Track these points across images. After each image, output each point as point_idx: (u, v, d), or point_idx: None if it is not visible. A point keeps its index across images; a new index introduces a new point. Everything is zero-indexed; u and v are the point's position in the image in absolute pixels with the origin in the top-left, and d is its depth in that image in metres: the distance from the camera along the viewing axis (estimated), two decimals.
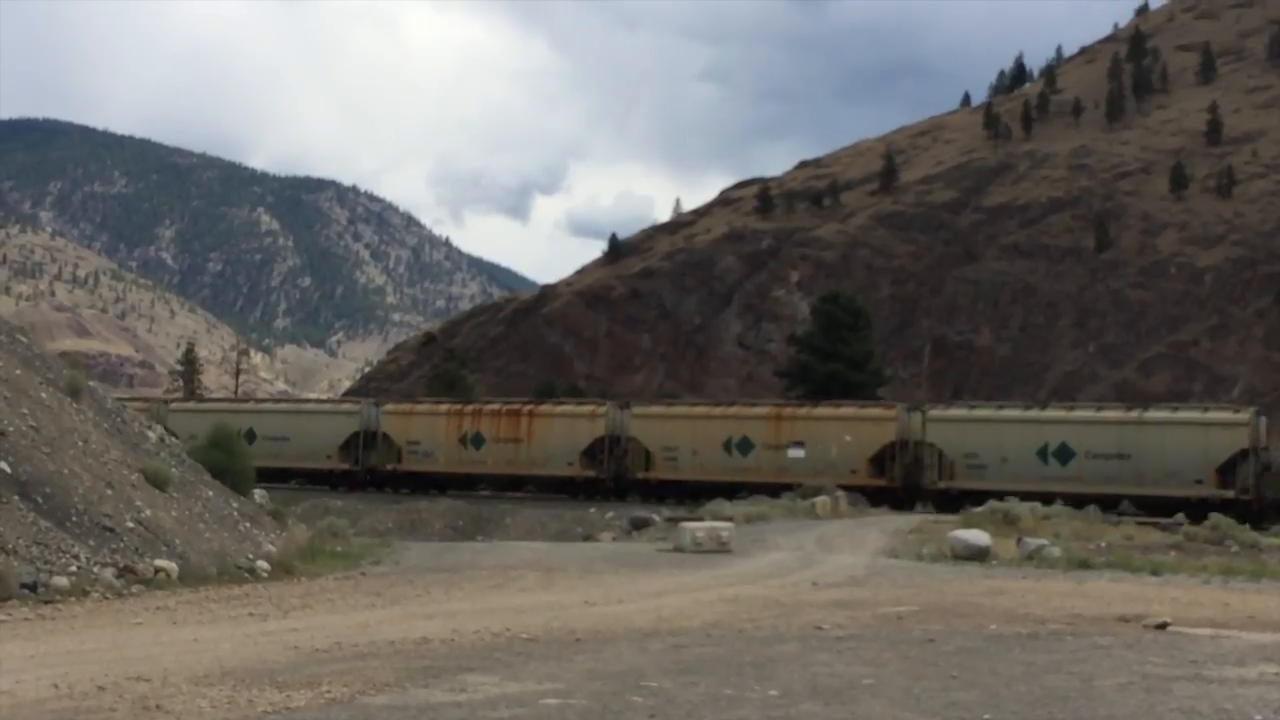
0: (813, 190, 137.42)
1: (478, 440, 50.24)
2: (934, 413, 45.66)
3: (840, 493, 39.03)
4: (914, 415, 45.07)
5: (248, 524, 21.95)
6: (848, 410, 47.86)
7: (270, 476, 49.26)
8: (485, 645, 12.58)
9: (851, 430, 45.40)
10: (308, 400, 61.74)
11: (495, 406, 52.53)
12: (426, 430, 51.54)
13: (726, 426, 47.40)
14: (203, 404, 63.85)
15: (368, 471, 51.65)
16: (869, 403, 53.34)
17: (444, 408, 53.19)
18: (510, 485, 49.93)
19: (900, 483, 43.58)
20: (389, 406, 54.37)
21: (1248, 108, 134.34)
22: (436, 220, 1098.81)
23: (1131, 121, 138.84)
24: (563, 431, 49.32)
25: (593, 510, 41.93)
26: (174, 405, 57.54)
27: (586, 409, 50.82)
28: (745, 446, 46.26)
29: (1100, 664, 11.81)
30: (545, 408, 51.87)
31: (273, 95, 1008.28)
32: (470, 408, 52.74)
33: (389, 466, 51.44)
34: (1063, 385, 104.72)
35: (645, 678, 10.59)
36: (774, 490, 40.50)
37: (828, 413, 47.48)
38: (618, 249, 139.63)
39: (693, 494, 43.22)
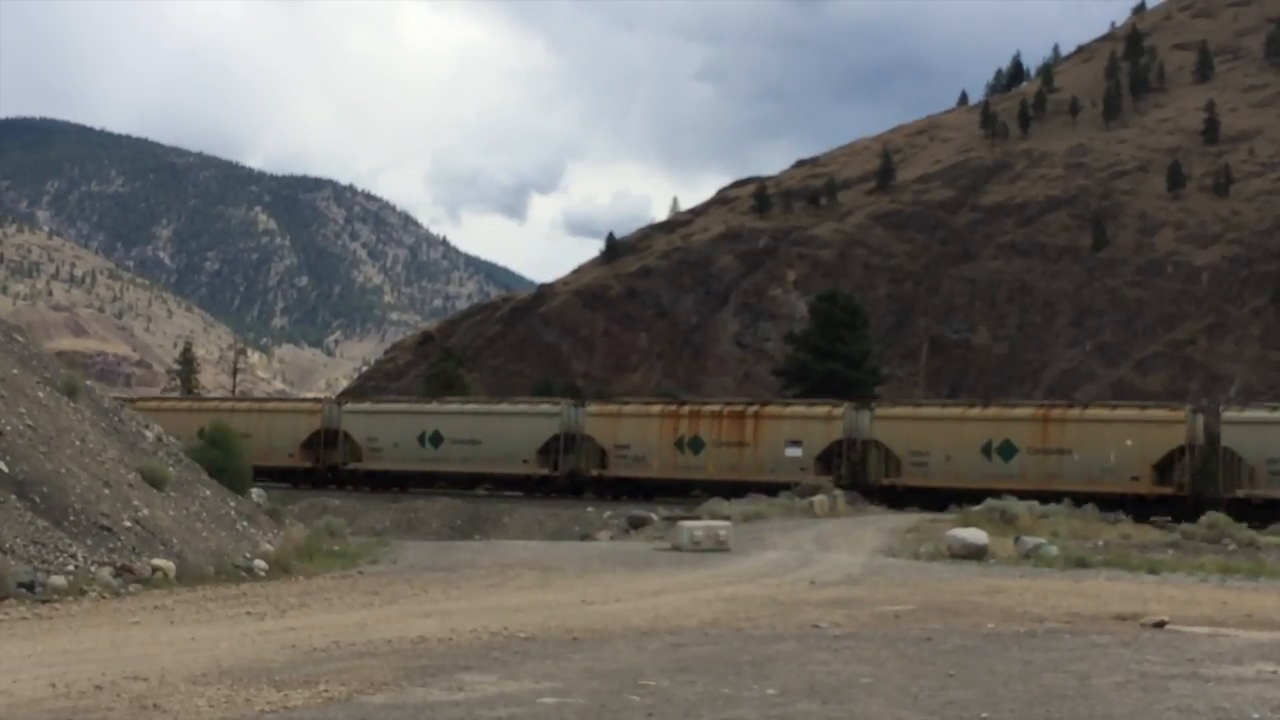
0: (810, 189, 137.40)
1: (696, 444, 46.93)
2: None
3: (838, 491, 39.03)
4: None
5: (245, 523, 21.95)
6: (522, 406, 53.03)
7: (461, 482, 49.62)
8: (483, 644, 12.58)
9: (524, 424, 49.89)
10: (500, 401, 58.13)
11: (715, 408, 49.14)
12: (638, 433, 48.42)
13: (986, 429, 44.05)
14: (379, 405, 59.65)
15: (568, 476, 48.58)
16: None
17: (657, 409, 50.48)
18: (732, 492, 42.57)
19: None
20: (593, 408, 50.92)
21: (1244, 106, 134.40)
22: (434, 220, 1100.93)
23: (1128, 120, 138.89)
24: (794, 434, 45.89)
25: (590, 509, 41.93)
26: (349, 407, 55.24)
27: (821, 410, 47.12)
28: (1007, 451, 42.58)
29: (1098, 662, 11.81)
30: (773, 408, 48.59)
31: (270, 94, 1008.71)
32: (686, 409, 49.87)
33: (593, 471, 48.28)
34: (1060, 384, 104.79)
35: (643, 676, 10.59)
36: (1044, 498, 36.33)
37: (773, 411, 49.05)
38: (615, 248, 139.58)
39: (943, 502, 39.58)
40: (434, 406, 54.11)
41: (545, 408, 51.60)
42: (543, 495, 47.30)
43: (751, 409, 48.65)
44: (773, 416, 47.41)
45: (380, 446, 51.43)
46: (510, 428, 50.05)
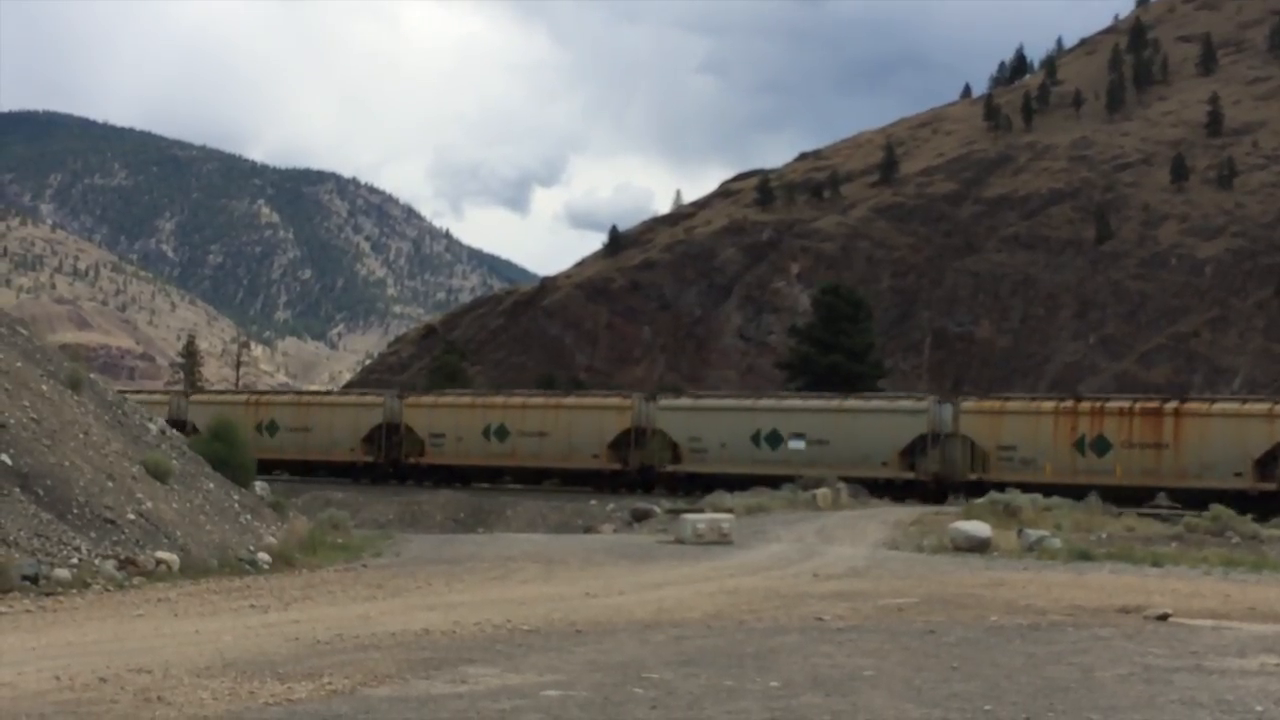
0: (813, 182, 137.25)
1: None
2: (663, 402, 49.40)
3: (840, 484, 39.05)
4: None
5: (248, 516, 21.96)
6: (591, 400, 52.38)
7: (526, 477, 49.33)
8: (486, 637, 12.59)
9: (593, 418, 49.14)
10: (567, 394, 57.09)
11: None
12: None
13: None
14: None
15: (639, 471, 47.81)
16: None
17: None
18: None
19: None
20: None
21: (1248, 99, 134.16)
22: (436, 212, 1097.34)
23: (1132, 113, 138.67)
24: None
25: (593, 502, 41.97)
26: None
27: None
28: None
29: (1101, 655, 11.82)
30: (1196, 405, 44.00)
31: (272, 87, 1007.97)
32: (1085, 404, 45.05)
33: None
34: (1063, 376, 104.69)
35: (646, 669, 10.61)
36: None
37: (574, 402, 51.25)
38: (618, 241, 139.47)
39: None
40: (501, 400, 52.82)
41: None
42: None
43: (1170, 405, 44.72)
44: (1202, 414, 43.00)
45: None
46: (582, 421, 49.38)
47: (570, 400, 51.87)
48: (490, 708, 8.97)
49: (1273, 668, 11.24)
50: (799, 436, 45.55)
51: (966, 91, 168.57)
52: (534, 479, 48.49)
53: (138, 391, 56.26)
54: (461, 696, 9.38)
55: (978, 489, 38.89)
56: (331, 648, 11.69)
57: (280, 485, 32.57)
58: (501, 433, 49.14)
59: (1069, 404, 44.23)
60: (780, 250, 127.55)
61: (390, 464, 51.03)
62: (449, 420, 50.79)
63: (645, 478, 47.21)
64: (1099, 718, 9.00)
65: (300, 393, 68.16)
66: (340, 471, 50.60)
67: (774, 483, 41.99)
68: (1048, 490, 37.57)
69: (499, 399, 52.63)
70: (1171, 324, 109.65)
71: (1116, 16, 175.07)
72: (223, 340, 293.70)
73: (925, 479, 43.11)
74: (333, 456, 51.13)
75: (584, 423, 48.61)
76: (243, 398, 61.01)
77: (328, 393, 60.94)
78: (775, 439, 45.50)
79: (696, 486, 44.09)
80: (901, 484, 43.11)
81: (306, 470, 49.77)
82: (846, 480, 40.16)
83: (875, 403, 48.16)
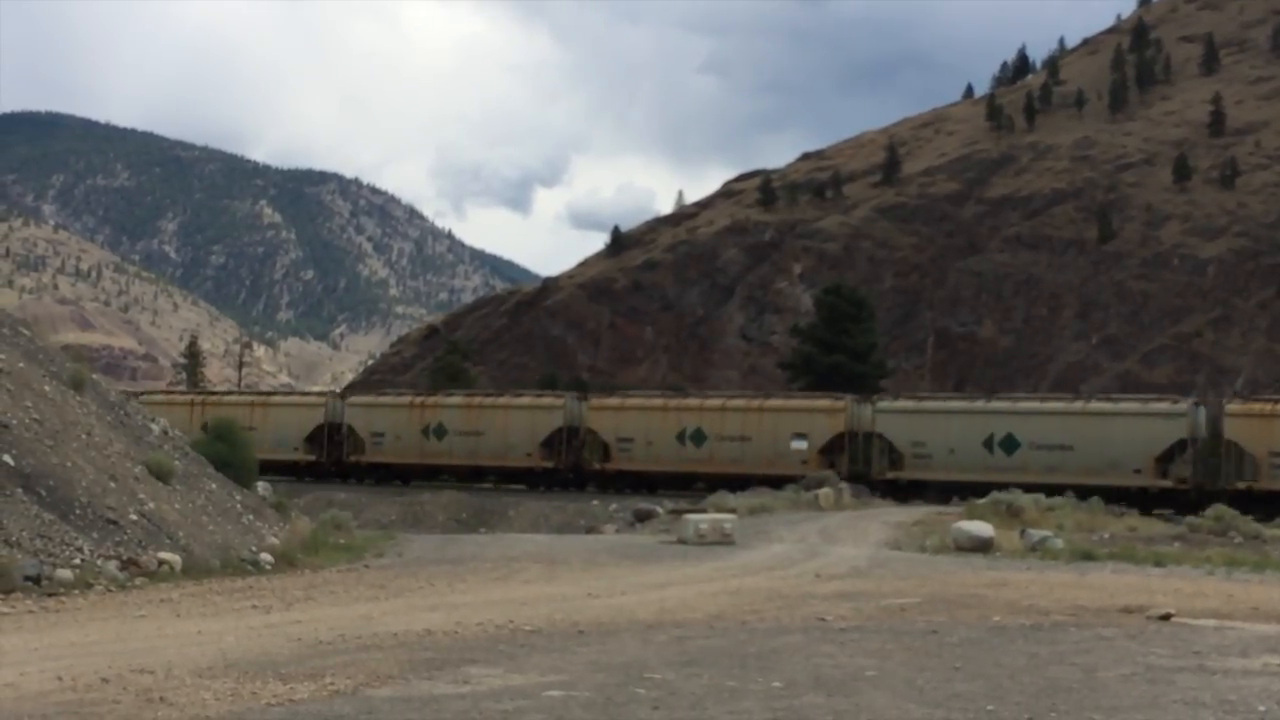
0: (815, 182, 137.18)
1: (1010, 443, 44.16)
2: (594, 401, 50.81)
3: (844, 485, 39.03)
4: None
5: (251, 516, 21.97)
6: (524, 400, 52.33)
7: (461, 475, 49.74)
8: (489, 637, 12.59)
9: (526, 418, 50.03)
10: (501, 394, 57.48)
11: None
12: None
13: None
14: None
15: (571, 470, 49.08)
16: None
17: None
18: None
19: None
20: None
21: (1251, 99, 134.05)
22: (438, 213, 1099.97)
23: (1134, 113, 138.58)
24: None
25: (595, 502, 41.99)
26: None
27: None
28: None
29: (1103, 655, 11.81)
30: (1099, 405, 45.95)
31: (274, 88, 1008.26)
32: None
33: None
34: (1065, 377, 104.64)
35: (649, 669, 10.61)
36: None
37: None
38: (620, 241, 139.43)
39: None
40: (437, 400, 53.60)
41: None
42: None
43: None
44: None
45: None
46: (513, 420, 50.26)
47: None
48: (493, 708, 8.97)
49: (1276, 668, 11.23)
50: (702, 438, 46.00)
51: (969, 91, 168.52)
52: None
53: (305, 394, 56.07)
54: (464, 697, 9.38)
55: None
56: (334, 648, 11.69)
57: (282, 486, 32.61)
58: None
59: (419, 399, 50.16)
60: (782, 250, 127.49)
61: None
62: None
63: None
64: (1101, 718, 8.99)
65: (253, 393, 68.04)
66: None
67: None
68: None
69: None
70: (1174, 324, 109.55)
71: (1119, 16, 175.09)
72: (225, 341, 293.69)
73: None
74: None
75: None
76: (306, 399, 60.58)
77: (273, 393, 60.42)
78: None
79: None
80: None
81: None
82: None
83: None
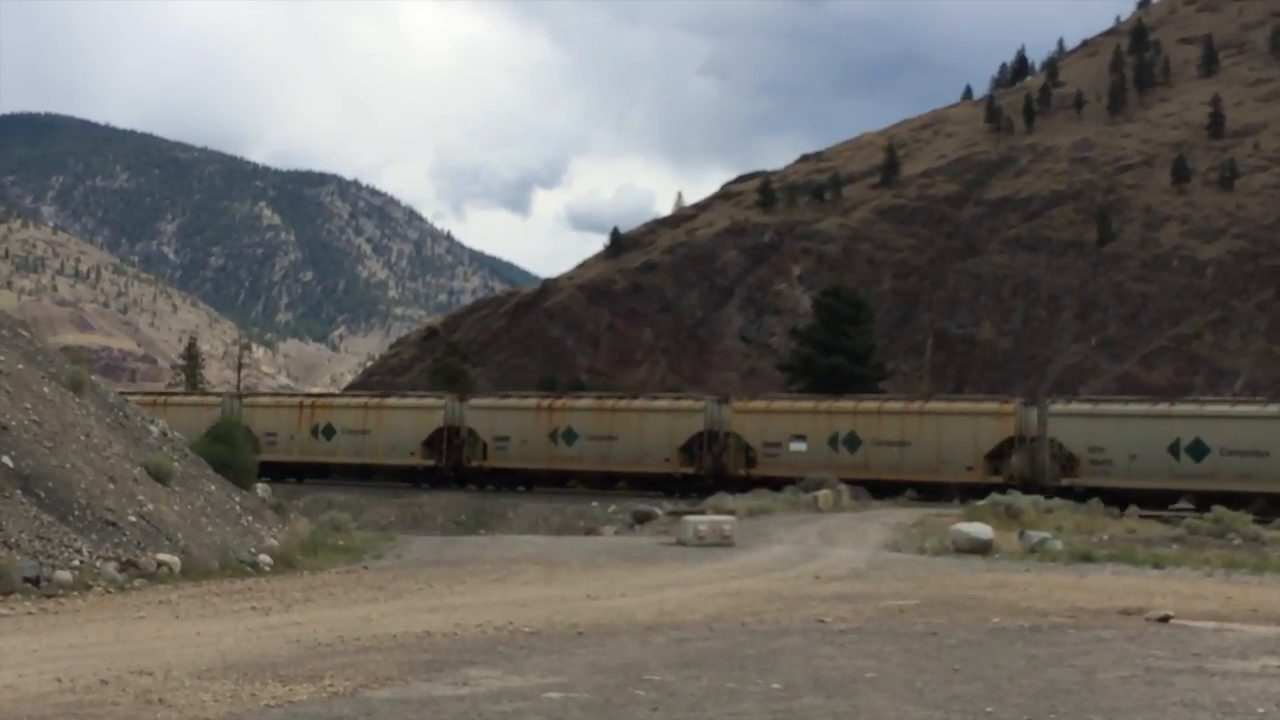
0: (814, 184, 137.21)
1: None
2: (473, 402, 51.42)
3: (844, 486, 39.03)
4: (460, 405, 50.63)
5: (250, 518, 21.97)
6: (408, 401, 53.21)
7: (349, 473, 50.14)
8: (488, 639, 12.59)
9: (409, 417, 50.61)
10: (387, 395, 58.07)
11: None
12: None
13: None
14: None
15: (452, 468, 49.84)
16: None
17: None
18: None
19: (449, 464, 49.22)
20: (473, 401, 51.68)
21: (1250, 100, 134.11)
22: (437, 214, 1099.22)
23: (1133, 114, 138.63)
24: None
25: (594, 504, 41.99)
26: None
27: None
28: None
29: (1102, 657, 11.81)
30: (934, 405, 46.65)
31: (274, 89, 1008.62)
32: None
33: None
34: (1064, 378, 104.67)
35: (648, 671, 10.60)
36: None
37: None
38: (619, 243, 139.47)
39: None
40: (328, 400, 54.99)
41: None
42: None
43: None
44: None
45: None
46: (397, 420, 51.26)
47: (391, 401, 53.57)
48: (492, 710, 8.97)
49: (1275, 670, 11.23)
50: (800, 438, 45.84)
51: (968, 93, 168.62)
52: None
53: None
54: (463, 698, 9.38)
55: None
56: (333, 650, 11.69)
57: (280, 487, 32.57)
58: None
59: (546, 402, 49.59)
60: (781, 252, 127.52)
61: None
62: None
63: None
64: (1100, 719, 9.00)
65: (367, 394, 67.63)
66: (403, 476, 50.63)
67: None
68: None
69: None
70: (1173, 326, 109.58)
71: (1118, 18, 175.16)
72: (224, 342, 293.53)
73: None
74: (391, 460, 50.92)
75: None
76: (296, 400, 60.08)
77: (389, 394, 59.73)
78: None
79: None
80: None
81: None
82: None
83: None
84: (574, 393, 57.46)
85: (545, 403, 50.76)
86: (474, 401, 51.84)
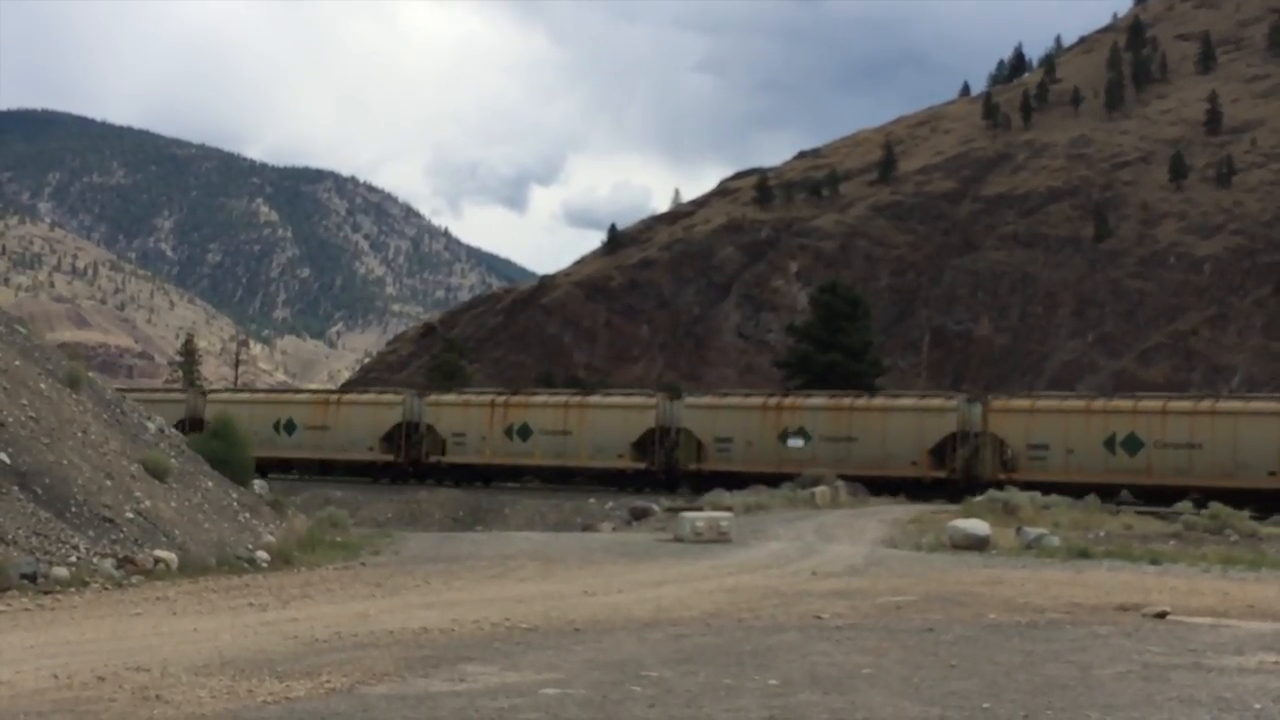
0: (811, 180, 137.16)
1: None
2: (431, 398, 52.73)
3: (840, 482, 39.08)
4: (418, 401, 52.09)
5: (247, 514, 21.96)
6: (367, 397, 54.36)
7: (309, 468, 50.46)
8: (484, 635, 12.59)
9: (368, 413, 52.19)
10: (346, 392, 58.76)
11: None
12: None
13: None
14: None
15: (411, 463, 50.69)
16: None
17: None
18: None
19: (407, 459, 50.58)
20: (431, 398, 52.79)
21: (1247, 97, 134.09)
22: (434, 211, 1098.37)
23: (1130, 111, 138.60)
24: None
25: (591, 500, 42.00)
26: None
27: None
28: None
29: (1099, 653, 11.82)
30: (879, 401, 47.17)
31: (271, 86, 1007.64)
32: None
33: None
34: (1061, 375, 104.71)
35: (645, 667, 10.60)
36: None
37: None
38: (616, 240, 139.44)
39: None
40: (288, 396, 56.98)
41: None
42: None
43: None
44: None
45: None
46: (356, 416, 52.29)
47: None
48: (489, 706, 8.96)
49: (1271, 665, 11.24)
50: (799, 434, 45.88)
51: (965, 90, 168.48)
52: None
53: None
54: (460, 695, 9.38)
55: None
56: (330, 646, 11.69)
57: (278, 484, 32.56)
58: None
59: (774, 401, 48.37)
60: (779, 249, 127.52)
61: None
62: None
63: (416, 468, 50.16)
64: (1097, 715, 8.99)
65: (568, 392, 67.30)
66: (609, 479, 49.59)
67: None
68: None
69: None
70: (1170, 322, 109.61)
71: (1115, 15, 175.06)
72: (221, 339, 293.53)
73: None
74: (596, 462, 49.77)
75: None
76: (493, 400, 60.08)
77: (591, 392, 58.79)
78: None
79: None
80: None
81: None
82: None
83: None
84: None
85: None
86: (432, 398, 52.43)
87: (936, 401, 47.12)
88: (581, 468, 48.11)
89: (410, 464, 50.39)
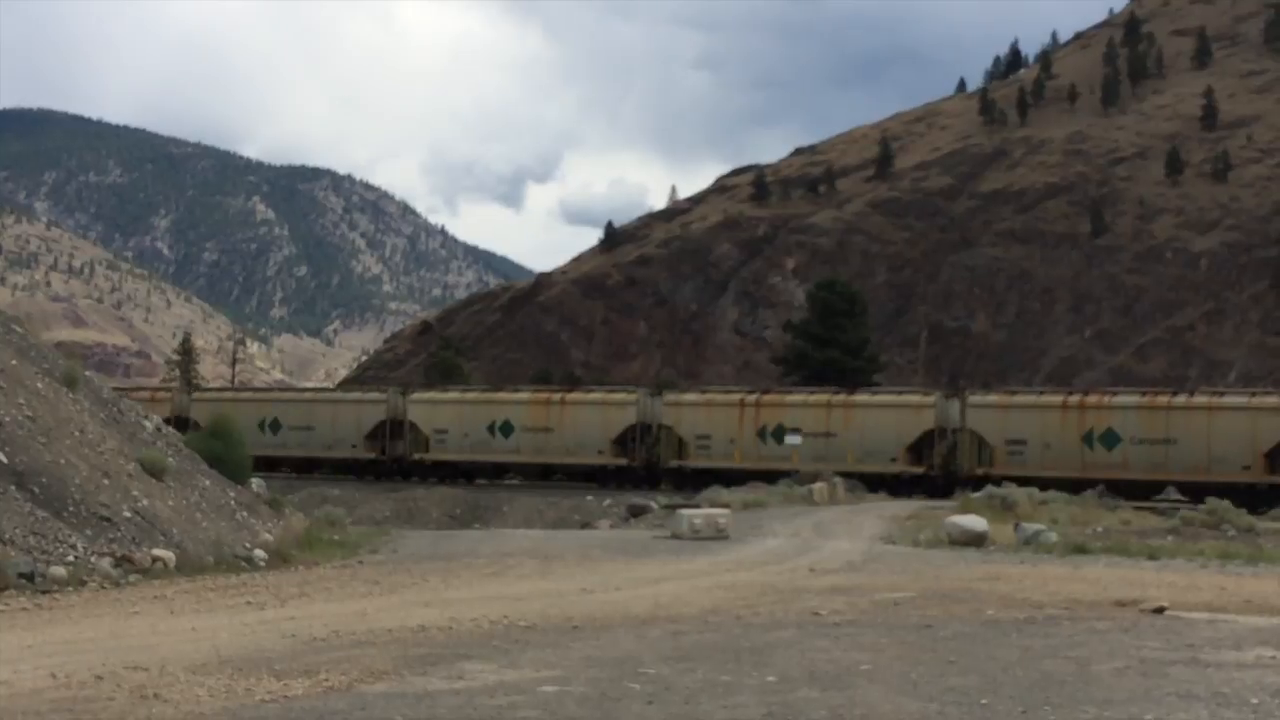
0: (808, 177, 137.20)
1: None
2: (414, 396, 53.13)
3: (838, 479, 39.12)
4: (402, 398, 52.39)
5: (245, 513, 21.95)
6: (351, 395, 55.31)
7: (295, 466, 50.69)
8: (483, 633, 12.59)
9: (352, 411, 52.67)
10: (331, 391, 59.59)
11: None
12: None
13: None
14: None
15: (394, 460, 51.13)
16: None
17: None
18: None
19: (391, 456, 50.90)
20: (414, 395, 53.07)
21: (1243, 92, 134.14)
22: (431, 209, 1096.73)
23: (1127, 106, 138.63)
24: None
25: (589, 498, 41.99)
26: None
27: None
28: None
29: (1097, 648, 11.82)
30: (860, 398, 47.23)
31: (267, 84, 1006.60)
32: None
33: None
34: (1059, 371, 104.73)
35: (643, 665, 10.60)
36: None
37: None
38: (613, 237, 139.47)
39: None
40: (274, 395, 57.69)
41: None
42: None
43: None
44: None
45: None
46: (341, 414, 52.77)
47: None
48: (487, 704, 8.96)
49: (1269, 660, 11.25)
50: (796, 431, 45.92)
51: (961, 86, 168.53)
52: (304, 468, 51.08)
53: (729, 389, 54.98)
54: (458, 693, 9.38)
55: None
56: (328, 644, 11.68)
57: (276, 483, 32.55)
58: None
59: (753, 397, 48.20)
60: (776, 245, 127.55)
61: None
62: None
63: (400, 465, 50.46)
64: (1095, 711, 9.00)
65: (545, 388, 67.24)
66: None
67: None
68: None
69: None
70: (1167, 317, 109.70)
71: (1111, 10, 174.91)
72: (218, 337, 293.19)
73: (933, 473, 43.33)
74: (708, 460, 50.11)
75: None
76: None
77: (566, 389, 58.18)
78: (508, 428, 48.81)
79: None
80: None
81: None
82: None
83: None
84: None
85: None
86: (416, 395, 52.49)
87: (914, 398, 47.43)
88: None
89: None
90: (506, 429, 48.83)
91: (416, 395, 52.83)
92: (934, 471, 43.74)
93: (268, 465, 50.34)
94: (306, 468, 51.34)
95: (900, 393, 50.67)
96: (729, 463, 44.77)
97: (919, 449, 43.97)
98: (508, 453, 49.00)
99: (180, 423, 51.55)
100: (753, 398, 48.65)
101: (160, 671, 10.05)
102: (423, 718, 8.58)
